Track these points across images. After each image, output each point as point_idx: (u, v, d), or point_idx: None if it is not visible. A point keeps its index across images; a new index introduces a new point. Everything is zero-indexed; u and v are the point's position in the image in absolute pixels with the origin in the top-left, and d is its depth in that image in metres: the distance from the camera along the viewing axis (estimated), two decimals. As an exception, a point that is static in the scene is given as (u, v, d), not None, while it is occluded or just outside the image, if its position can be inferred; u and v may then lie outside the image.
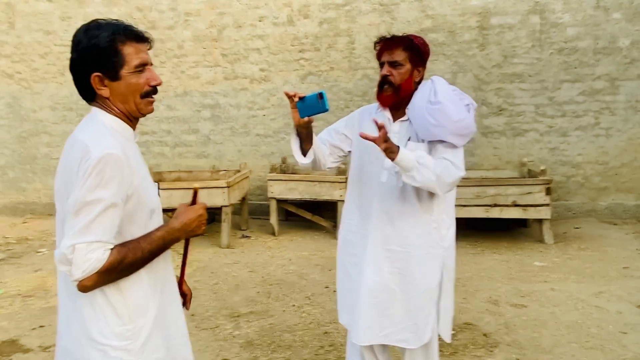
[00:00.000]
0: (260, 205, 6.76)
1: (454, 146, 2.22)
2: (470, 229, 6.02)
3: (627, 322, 3.45)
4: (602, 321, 3.47)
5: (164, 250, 1.44)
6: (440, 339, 2.54)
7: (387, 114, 2.34)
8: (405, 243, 2.29)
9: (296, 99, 2.12)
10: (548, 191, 5.30)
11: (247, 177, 6.20)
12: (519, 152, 6.41)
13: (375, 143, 2.03)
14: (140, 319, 1.41)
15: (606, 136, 6.25)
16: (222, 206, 5.38)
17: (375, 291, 2.29)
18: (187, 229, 1.48)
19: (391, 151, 2.04)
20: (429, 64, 6.94)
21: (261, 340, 3.40)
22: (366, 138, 2.02)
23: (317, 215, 6.08)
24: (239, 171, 6.14)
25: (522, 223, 6.05)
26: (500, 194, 5.39)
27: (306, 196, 5.76)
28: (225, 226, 5.44)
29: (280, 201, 5.99)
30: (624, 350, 3.07)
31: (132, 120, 1.51)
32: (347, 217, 2.48)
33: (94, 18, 1.49)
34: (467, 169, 6.52)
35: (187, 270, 4.93)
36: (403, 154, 2.07)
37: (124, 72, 1.43)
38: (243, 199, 6.17)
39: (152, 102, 1.52)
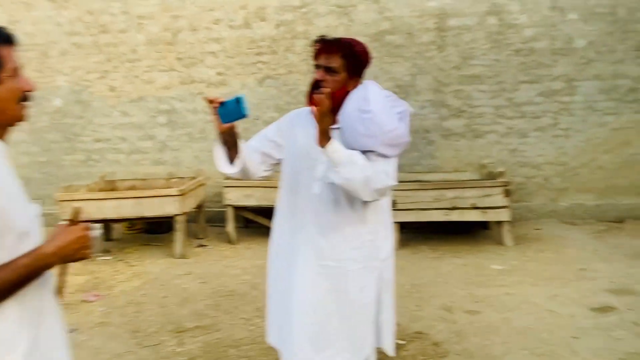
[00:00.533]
0: (219, 213, 6.56)
1: (386, 156, 2.11)
2: (432, 233, 5.96)
3: (579, 326, 3.39)
4: (554, 326, 3.41)
5: (32, 279, 1.27)
6: (383, 353, 2.43)
7: None
8: (339, 257, 2.17)
9: (215, 105, 1.99)
10: (506, 193, 5.26)
11: (203, 184, 6.02)
12: (479, 154, 6.37)
13: (317, 115, 1.93)
14: (6, 355, 1.25)
15: (565, 137, 6.26)
16: (174, 215, 5.20)
17: (309, 310, 2.15)
18: (63, 254, 1.31)
19: (325, 136, 1.94)
20: (389, 67, 6.88)
21: (205, 357, 3.24)
22: (314, 110, 1.93)
23: (276, 222, 5.93)
24: (194, 178, 5.96)
25: (484, 225, 6.01)
26: (459, 197, 5.33)
27: (264, 202, 5.61)
28: (179, 235, 5.26)
29: (237, 208, 5.84)
30: (574, 357, 3.01)
31: (4, 130, 1.36)
32: (278, 228, 2.35)
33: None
34: (428, 171, 6.49)
35: (136, 283, 4.71)
36: (335, 146, 1.95)
37: (4, 75, 1.29)
38: (200, 207, 6.00)
39: (26, 108, 1.38)
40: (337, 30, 6.33)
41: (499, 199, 5.26)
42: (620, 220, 6.08)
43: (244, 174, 2.20)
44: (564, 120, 6.23)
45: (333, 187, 2.11)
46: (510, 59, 6.20)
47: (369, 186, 1.97)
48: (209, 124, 6.73)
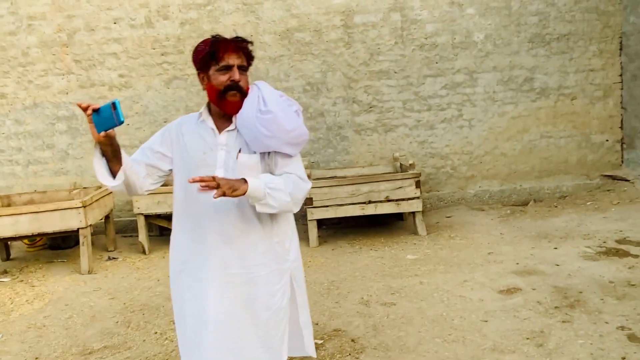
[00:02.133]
0: (132, 222, 6.28)
1: (289, 156, 2.09)
2: (351, 228, 6.03)
3: (488, 309, 3.54)
4: (465, 311, 3.54)
5: None
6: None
7: (211, 123, 2.12)
8: (247, 264, 2.09)
9: (89, 112, 1.83)
10: (417, 184, 5.41)
11: (110, 192, 5.70)
12: (391, 147, 6.51)
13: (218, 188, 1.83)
14: None
15: (469, 127, 6.54)
16: (78, 228, 4.87)
17: (221, 324, 2.04)
18: None
19: (236, 189, 1.86)
20: (299, 64, 6.89)
21: (114, 379, 3.06)
22: (204, 185, 1.81)
23: (191, 228, 5.73)
24: (100, 187, 5.63)
25: (399, 217, 6.16)
26: (374, 191, 5.42)
27: (176, 209, 5.39)
28: (85, 250, 4.93)
29: (149, 216, 5.58)
30: (484, 340, 3.13)
31: None
32: (176, 245, 2.20)
33: None
34: (343, 167, 6.53)
35: (37, 305, 4.38)
36: (253, 186, 1.90)
37: None
38: (108, 217, 5.68)
39: None
40: (245, 28, 6.22)
41: (411, 190, 5.41)
42: (523, 204, 6.46)
43: (129, 189, 2.05)
44: (467, 111, 6.51)
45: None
46: (415, 53, 6.38)
47: (295, 199, 2.05)
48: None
